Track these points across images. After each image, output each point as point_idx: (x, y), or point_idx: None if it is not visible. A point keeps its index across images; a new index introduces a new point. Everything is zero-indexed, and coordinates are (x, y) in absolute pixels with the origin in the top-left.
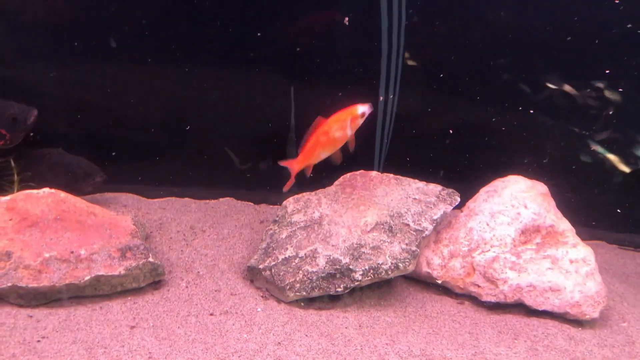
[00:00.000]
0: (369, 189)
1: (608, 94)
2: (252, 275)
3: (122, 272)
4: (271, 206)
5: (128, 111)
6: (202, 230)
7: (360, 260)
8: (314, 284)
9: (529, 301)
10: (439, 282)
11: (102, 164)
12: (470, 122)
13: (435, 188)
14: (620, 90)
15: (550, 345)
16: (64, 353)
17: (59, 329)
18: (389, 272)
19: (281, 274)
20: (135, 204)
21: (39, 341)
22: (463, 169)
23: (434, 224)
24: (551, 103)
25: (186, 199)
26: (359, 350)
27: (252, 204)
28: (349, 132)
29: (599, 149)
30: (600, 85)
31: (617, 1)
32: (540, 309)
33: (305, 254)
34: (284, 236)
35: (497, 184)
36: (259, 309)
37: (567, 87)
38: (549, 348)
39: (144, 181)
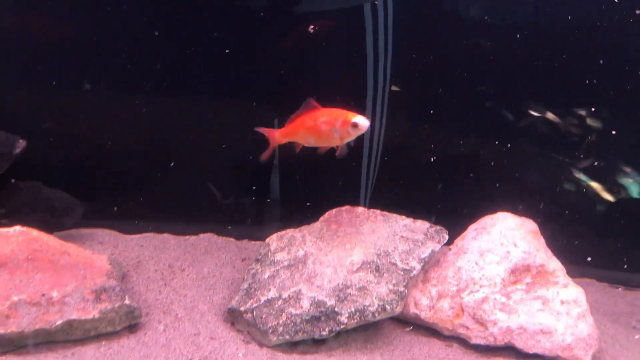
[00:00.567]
0: (355, 226)
1: (590, 121)
2: (233, 317)
3: (97, 315)
4: (253, 242)
5: (105, 143)
6: (182, 269)
7: (346, 302)
8: (298, 327)
9: (519, 344)
10: (427, 323)
11: (77, 197)
12: (456, 153)
13: (423, 225)
14: (601, 118)
15: None
16: None
17: None
18: (376, 315)
19: (263, 316)
20: (111, 240)
21: None
22: (451, 203)
23: (422, 263)
24: (534, 131)
25: (165, 234)
26: None
27: (233, 239)
28: (336, 134)
29: (582, 177)
30: (583, 112)
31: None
32: (531, 352)
33: (288, 295)
34: (266, 276)
35: (486, 221)
36: (240, 354)
37: (549, 115)
38: None
39: (121, 216)
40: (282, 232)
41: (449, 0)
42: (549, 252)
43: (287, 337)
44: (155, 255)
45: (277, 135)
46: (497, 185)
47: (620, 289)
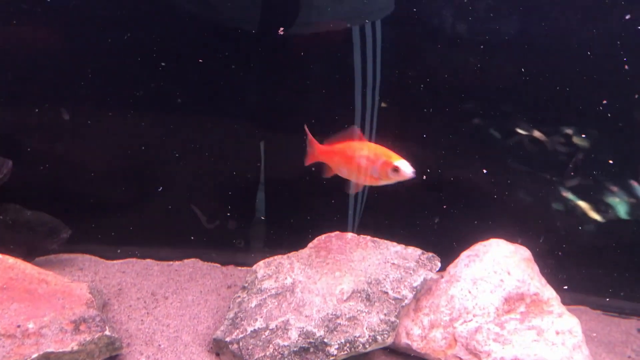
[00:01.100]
0: (345, 253)
1: (577, 140)
2: (218, 348)
3: (75, 347)
4: (239, 268)
5: (86, 164)
6: (165, 297)
7: (335, 332)
8: (286, 359)
9: None
10: (420, 354)
11: None
12: (448, 176)
13: (414, 252)
14: (588, 136)
15: None
16: None
17: None
18: (367, 346)
19: (250, 347)
20: (92, 266)
21: None
22: (441, 227)
23: (414, 292)
24: (522, 150)
25: (148, 260)
26: None
27: (219, 265)
28: (374, 173)
29: (569, 196)
30: (569, 131)
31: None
32: None
33: (276, 326)
34: (253, 305)
35: (479, 248)
36: None
37: (536, 133)
38: None
39: (102, 240)
40: (270, 259)
41: (435, 18)
42: (543, 280)
43: None
44: (137, 282)
45: (317, 149)
46: (488, 206)
47: (614, 317)
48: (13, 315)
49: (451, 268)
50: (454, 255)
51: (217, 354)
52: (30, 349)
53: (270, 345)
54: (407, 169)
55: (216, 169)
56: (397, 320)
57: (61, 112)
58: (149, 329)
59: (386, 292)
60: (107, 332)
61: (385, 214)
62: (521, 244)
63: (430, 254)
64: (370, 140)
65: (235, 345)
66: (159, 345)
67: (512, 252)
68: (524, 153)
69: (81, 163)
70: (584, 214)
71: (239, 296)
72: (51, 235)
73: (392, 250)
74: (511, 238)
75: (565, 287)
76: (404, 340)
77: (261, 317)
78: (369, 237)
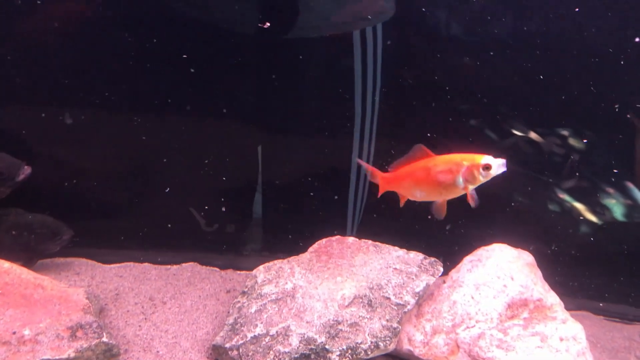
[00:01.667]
0: (346, 257)
1: (572, 141)
2: (218, 354)
3: (72, 354)
4: (238, 272)
5: (83, 167)
6: (163, 302)
7: (337, 339)
8: None
9: None
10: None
11: None
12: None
13: (416, 257)
14: (585, 140)
15: None
16: None
17: None
18: (369, 352)
19: (250, 354)
20: (89, 271)
21: None
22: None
23: (416, 298)
24: (518, 151)
25: (146, 264)
26: None
27: (218, 269)
28: (460, 181)
29: (566, 197)
30: (565, 132)
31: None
32: None
33: (276, 332)
34: (253, 310)
35: (481, 253)
36: None
37: (532, 135)
38: None
39: (100, 244)
40: (270, 263)
41: (430, 20)
42: (547, 286)
43: None
44: (135, 287)
45: (382, 181)
46: (491, 210)
47: (617, 323)
48: (8, 322)
49: (454, 273)
50: (457, 260)
51: None
52: (26, 356)
53: (271, 352)
54: (498, 162)
55: (215, 172)
56: (399, 326)
57: (64, 116)
58: (147, 334)
59: (388, 298)
60: (104, 339)
61: (385, 218)
62: (525, 248)
63: (433, 259)
64: (370, 143)
65: (235, 352)
66: (157, 351)
67: (516, 257)
68: (527, 155)
69: (78, 166)
70: (583, 217)
71: (239, 301)
72: (53, 237)
73: (394, 254)
74: (514, 243)
75: (564, 292)
76: (405, 346)
77: (261, 322)
78: (370, 242)
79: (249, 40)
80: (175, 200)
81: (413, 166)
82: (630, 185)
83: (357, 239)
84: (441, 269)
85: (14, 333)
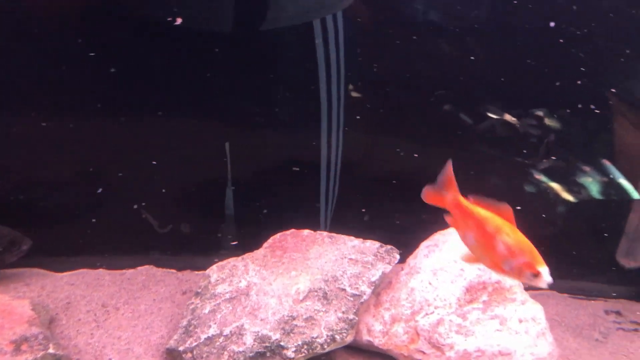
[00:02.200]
0: (301, 251)
1: (548, 121)
2: (172, 358)
3: None
4: (196, 272)
5: (32, 171)
6: (116, 308)
7: (292, 334)
8: None
9: None
10: (382, 350)
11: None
12: (415, 164)
13: (372, 245)
14: (560, 117)
15: None
16: None
17: None
18: (325, 346)
19: (204, 355)
20: (39, 280)
21: None
22: (410, 216)
23: (372, 287)
24: (493, 134)
25: (99, 270)
26: None
27: (174, 271)
28: (506, 266)
29: (542, 178)
30: (540, 113)
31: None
32: None
33: (230, 331)
34: (206, 311)
35: (438, 237)
36: None
37: (507, 117)
38: None
39: (51, 251)
40: (224, 262)
41: (404, 4)
42: None
43: None
44: (87, 294)
45: (452, 198)
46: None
47: (582, 300)
48: None
49: (410, 259)
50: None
51: None
52: None
53: (225, 352)
54: (547, 278)
55: (170, 169)
56: (356, 318)
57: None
58: (99, 342)
59: (344, 289)
60: (50, 350)
61: (357, 209)
62: None
63: (389, 247)
64: (338, 135)
65: (189, 354)
66: (110, 359)
67: None
68: (493, 137)
69: (26, 173)
70: (555, 195)
71: (192, 302)
72: (11, 248)
73: (350, 244)
74: None
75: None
76: (365, 337)
77: (215, 323)
78: (325, 233)
79: (212, 35)
80: (132, 203)
81: (489, 216)
82: (607, 163)
83: (312, 231)
84: (398, 257)
85: None
